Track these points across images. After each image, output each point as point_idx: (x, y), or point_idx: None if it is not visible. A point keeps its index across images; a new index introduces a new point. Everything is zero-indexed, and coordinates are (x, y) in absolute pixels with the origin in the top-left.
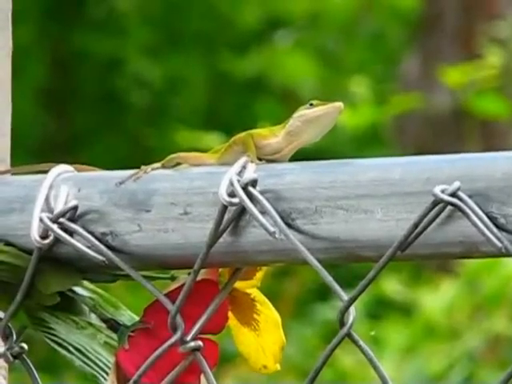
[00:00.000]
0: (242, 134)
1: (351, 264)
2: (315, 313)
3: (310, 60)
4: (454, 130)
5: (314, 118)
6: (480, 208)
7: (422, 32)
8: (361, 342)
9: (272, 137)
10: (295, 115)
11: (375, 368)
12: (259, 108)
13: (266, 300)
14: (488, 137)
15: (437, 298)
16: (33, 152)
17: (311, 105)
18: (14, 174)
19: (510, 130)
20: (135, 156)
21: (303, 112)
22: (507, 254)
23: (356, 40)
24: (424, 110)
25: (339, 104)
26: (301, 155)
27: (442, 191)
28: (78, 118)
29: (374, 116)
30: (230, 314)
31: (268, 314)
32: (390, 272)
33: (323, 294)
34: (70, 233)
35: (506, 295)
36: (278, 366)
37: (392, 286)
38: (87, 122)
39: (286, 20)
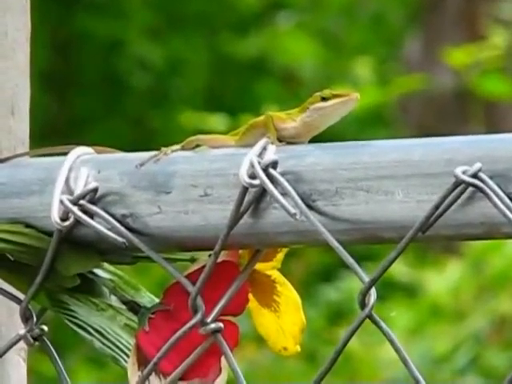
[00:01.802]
0: (262, 117)
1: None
2: (319, 294)
3: (312, 41)
4: (456, 111)
5: (331, 111)
6: (501, 189)
7: (425, 13)
8: (382, 324)
9: (290, 121)
10: (312, 107)
11: (396, 350)
12: (260, 89)
13: (287, 281)
14: (490, 118)
15: (442, 280)
16: (34, 136)
17: (323, 99)
18: (32, 156)
19: None
20: (138, 138)
21: (321, 105)
22: None
23: (358, 21)
24: (427, 91)
25: (356, 95)
26: None
27: (463, 172)
28: (80, 101)
29: (377, 97)
30: (249, 295)
31: (288, 295)
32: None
33: (327, 275)
34: (91, 215)
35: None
36: (299, 348)
37: (398, 267)
38: (89, 104)
39: (288, 1)
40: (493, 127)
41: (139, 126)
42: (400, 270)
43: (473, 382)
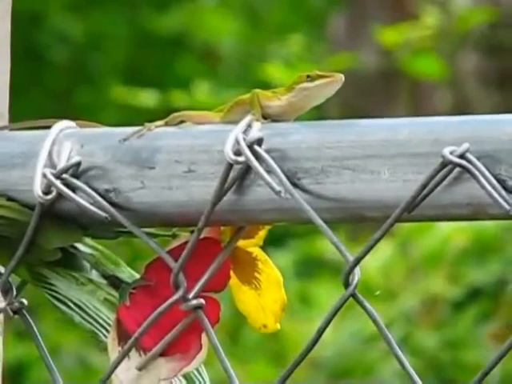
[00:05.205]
0: (248, 94)
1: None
2: None
3: (234, 19)
4: (381, 90)
5: (316, 92)
6: (488, 170)
7: None
8: (365, 303)
9: (275, 100)
10: (298, 87)
11: (379, 329)
12: (181, 65)
13: (268, 259)
14: (415, 97)
15: (373, 259)
16: None
17: (308, 77)
18: (12, 129)
19: (436, 90)
20: (62, 112)
21: (306, 85)
22: None
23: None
24: (352, 70)
25: (340, 76)
26: None
27: (451, 153)
28: None
29: None
30: (230, 272)
31: (270, 272)
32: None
33: None
34: (73, 189)
35: (443, 256)
36: (278, 326)
37: (329, 244)
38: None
39: None
40: (417, 107)
41: (62, 100)
42: (331, 247)
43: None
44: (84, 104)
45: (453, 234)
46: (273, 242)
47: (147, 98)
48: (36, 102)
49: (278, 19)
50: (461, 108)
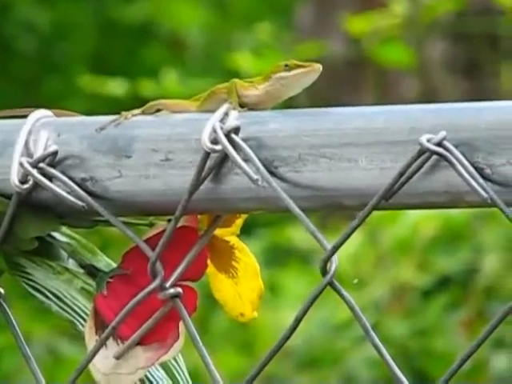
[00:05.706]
0: (225, 83)
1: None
2: None
3: (201, 7)
4: (349, 78)
5: (294, 81)
6: (466, 158)
7: None
8: (343, 291)
9: (252, 89)
10: (275, 76)
11: (357, 317)
12: (147, 54)
13: (245, 247)
14: (382, 85)
15: (342, 247)
16: None
17: (286, 66)
18: None
19: (404, 78)
20: (28, 102)
21: (283, 74)
22: (492, 205)
23: None
24: (320, 59)
25: (318, 66)
26: None
27: (428, 140)
28: None
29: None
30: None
31: (247, 261)
32: (296, 219)
33: None
34: (50, 178)
35: (413, 244)
36: (256, 314)
37: (297, 233)
38: None
39: None
40: (385, 95)
41: (29, 89)
42: (299, 236)
43: (372, 350)
44: (52, 93)
45: (422, 221)
46: (241, 231)
47: (115, 86)
48: (3, 92)
49: (244, 7)
50: (428, 96)
